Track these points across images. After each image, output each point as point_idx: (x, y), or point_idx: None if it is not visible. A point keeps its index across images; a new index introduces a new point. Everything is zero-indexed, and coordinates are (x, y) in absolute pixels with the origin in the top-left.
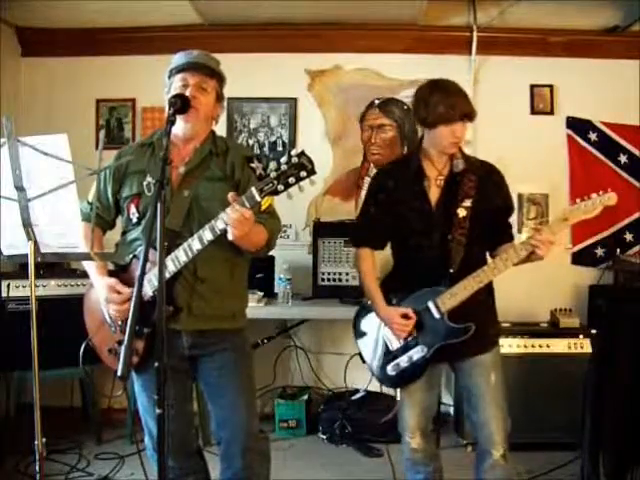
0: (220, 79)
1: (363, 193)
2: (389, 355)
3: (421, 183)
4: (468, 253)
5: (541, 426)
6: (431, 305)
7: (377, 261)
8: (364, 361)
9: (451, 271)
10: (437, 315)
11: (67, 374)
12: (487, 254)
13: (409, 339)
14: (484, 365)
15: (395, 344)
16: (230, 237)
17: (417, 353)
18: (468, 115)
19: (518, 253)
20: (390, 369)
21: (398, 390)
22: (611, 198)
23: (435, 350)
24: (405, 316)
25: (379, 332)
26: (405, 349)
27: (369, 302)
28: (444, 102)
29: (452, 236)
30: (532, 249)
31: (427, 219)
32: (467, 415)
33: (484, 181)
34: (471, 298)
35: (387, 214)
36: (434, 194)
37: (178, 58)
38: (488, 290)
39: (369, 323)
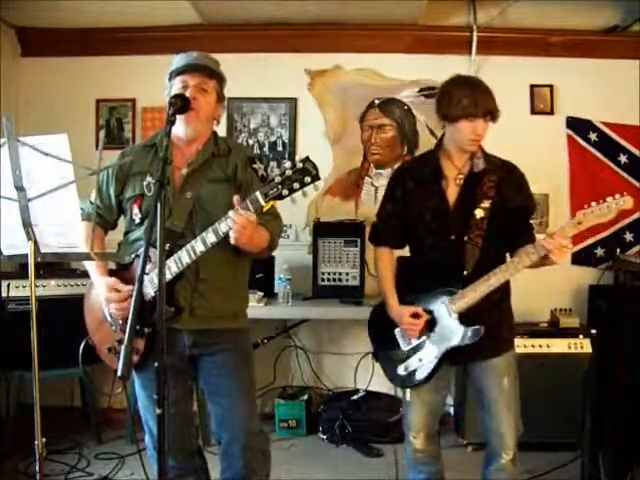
0: (220, 79)
1: (363, 193)
2: (400, 355)
3: (439, 182)
4: (484, 255)
5: (541, 426)
6: (442, 306)
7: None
8: (377, 359)
9: (465, 273)
10: (448, 317)
11: (67, 374)
12: (507, 256)
13: (420, 340)
14: (496, 369)
15: (406, 344)
16: (233, 241)
17: (427, 354)
18: (491, 113)
19: (529, 256)
20: (401, 369)
21: (407, 390)
22: (626, 202)
23: (445, 352)
24: (415, 315)
25: (392, 332)
26: (416, 350)
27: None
28: (469, 96)
29: (468, 237)
30: (544, 253)
31: (444, 219)
32: (480, 417)
33: (504, 182)
34: (484, 300)
35: (404, 213)
36: (452, 194)
37: (178, 60)
38: (502, 292)
39: (383, 322)
